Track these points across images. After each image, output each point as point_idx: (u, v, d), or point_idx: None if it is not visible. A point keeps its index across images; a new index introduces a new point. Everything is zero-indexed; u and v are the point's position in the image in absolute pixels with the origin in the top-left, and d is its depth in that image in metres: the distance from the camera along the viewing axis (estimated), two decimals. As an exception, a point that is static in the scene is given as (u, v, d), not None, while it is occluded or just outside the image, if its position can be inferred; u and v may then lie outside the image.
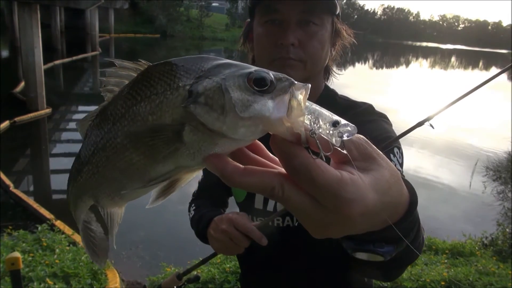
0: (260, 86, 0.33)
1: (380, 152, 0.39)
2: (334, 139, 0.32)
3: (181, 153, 0.35)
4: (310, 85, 0.35)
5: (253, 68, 0.35)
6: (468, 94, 0.81)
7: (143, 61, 0.40)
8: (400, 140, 0.80)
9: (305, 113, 0.33)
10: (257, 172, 0.34)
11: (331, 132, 0.32)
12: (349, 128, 0.33)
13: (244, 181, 0.34)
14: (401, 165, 0.82)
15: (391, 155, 0.79)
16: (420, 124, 0.80)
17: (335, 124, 0.32)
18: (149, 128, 0.35)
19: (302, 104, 0.33)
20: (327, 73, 0.97)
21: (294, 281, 0.97)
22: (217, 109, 0.33)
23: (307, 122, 0.33)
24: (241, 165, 0.34)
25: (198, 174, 1.15)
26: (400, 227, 0.41)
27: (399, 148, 0.83)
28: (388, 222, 0.37)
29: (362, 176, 0.35)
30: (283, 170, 0.35)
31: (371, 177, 0.36)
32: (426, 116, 0.80)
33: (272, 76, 0.34)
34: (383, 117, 0.90)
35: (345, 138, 0.32)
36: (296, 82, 0.35)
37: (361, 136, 0.37)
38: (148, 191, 0.39)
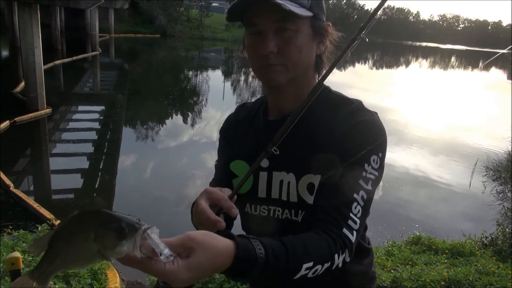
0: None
1: (202, 241, 0.63)
2: (166, 251, 0.60)
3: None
4: (149, 229, 0.59)
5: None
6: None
7: None
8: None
9: (137, 248, 0.58)
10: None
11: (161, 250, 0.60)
12: (168, 250, 0.60)
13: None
14: (377, 170, 0.88)
15: (366, 165, 0.86)
16: (353, 39, 0.87)
17: (161, 250, 0.60)
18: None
19: (138, 244, 0.58)
20: (318, 68, 1.00)
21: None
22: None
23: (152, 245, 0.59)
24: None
25: (208, 177, 1.15)
26: (233, 271, 0.66)
27: (378, 155, 0.88)
28: (216, 272, 0.66)
29: (180, 262, 0.61)
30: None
31: (186, 262, 0.62)
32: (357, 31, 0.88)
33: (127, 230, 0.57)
34: (373, 115, 0.93)
35: (167, 254, 0.60)
36: (141, 228, 0.58)
37: (186, 236, 0.63)
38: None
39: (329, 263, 0.76)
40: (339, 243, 0.78)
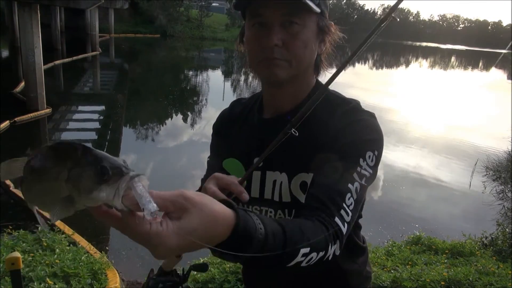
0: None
1: (198, 202, 0.52)
2: (150, 206, 0.46)
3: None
4: (137, 177, 0.48)
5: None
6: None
7: None
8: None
9: (119, 197, 0.47)
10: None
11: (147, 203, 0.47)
12: (153, 205, 0.47)
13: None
14: (372, 168, 0.85)
15: (361, 160, 0.83)
16: (383, 20, 0.86)
17: (145, 204, 0.47)
18: None
19: (121, 192, 0.47)
20: (317, 68, 0.99)
21: (292, 275, 0.97)
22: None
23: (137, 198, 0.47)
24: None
25: (201, 172, 1.15)
26: (227, 245, 0.56)
27: (374, 152, 0.86)
28: (209, 244, 0.54)
29: (169, 224, 0.50)
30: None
31: (177, 224, 0.51)
32: (382, 18, 0.87)
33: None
34: (370, 115, 0.92)
35: (152, 209, 0.46)
36: (127, 175, 0.47)
37: (180, 194, 0.52)
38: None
39: (324, 252, 0.71)
40: (332, 232, 0.74)
